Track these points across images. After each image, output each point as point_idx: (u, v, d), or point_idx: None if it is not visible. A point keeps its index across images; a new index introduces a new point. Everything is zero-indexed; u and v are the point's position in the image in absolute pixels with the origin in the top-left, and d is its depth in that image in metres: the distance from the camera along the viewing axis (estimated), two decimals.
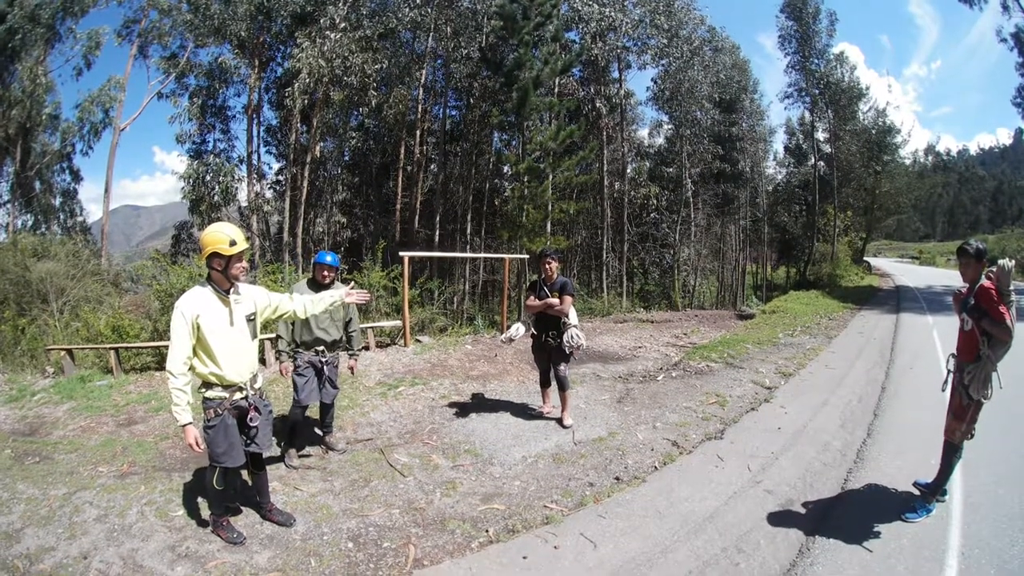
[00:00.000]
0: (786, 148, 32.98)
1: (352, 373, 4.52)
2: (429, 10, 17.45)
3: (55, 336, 9.79)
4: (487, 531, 3.12)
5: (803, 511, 3.25)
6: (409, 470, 4.01)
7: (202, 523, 3.32)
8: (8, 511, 3.66)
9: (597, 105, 20.07)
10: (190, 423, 2.78)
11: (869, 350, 8.04)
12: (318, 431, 4.61)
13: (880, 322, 10.97)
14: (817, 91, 27.75)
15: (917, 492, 3.32)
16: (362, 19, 16.55)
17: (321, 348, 4.14)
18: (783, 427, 4.61)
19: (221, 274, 2.84)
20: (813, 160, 29.34)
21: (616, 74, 21.05)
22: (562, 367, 4.71)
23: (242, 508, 3.41)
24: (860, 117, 29.71)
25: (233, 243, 2.77)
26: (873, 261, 44.25)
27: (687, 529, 3.07)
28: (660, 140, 26.08)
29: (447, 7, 17.79)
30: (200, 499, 3.59)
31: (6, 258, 11.86)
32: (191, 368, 2.83)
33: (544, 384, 5.10)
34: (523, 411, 5.25)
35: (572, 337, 4.59)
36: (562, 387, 4.75)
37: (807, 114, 29.22)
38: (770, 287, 29.74)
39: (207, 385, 2.90)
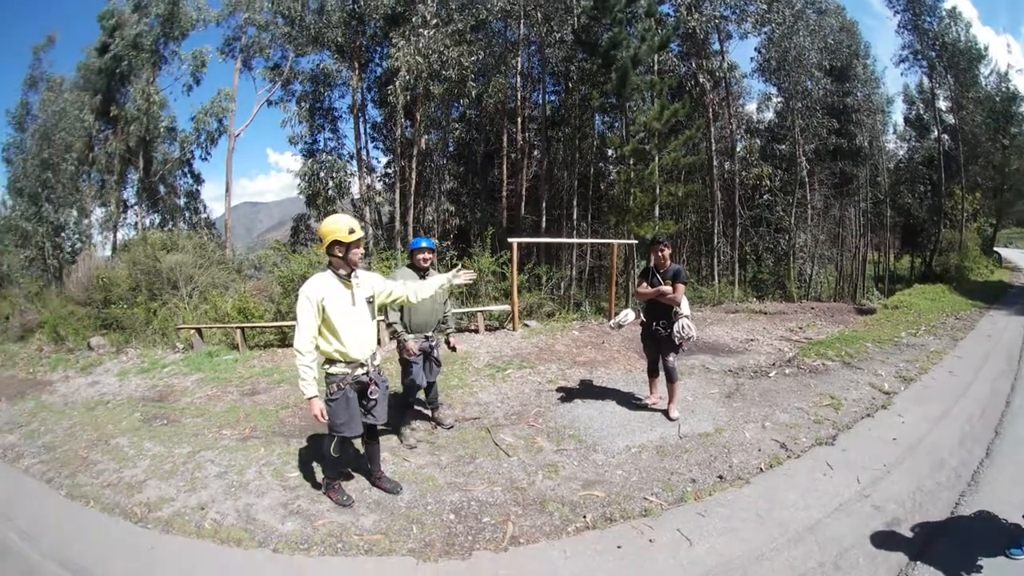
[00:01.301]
0: (906, 119, 28.12)
1: (455, 351, 4.66)
2: None
3: (185, 317, 10.96)
4: (585, 517, 3.11)
5: (909, 534, 2.90)
6: (514, 450, 4.08)
7: (315, 485, 3.57)
8: (133, 465, 4.19)
9: (700, 80, 18.89)
10: (316, 396, 3.00)
11: (996, 357, 6.97)
12: (425, 409, 4.80)
13: (1010, 324, 9.44)
14: (933, 53, 23.63)
15: None
16: (452, 13, 16.85)
17: (429, 332, 4.30)
18: (899, 438, 4.13)
19: (341, 260, 3.04)
20: (936, 133, 25.09)
21: (717, 46, 19.68)
22: (671, 358, 4.53)
23: (354, 474, 3.63)
24: (982, 82, 24.98)
25: (351, 231, 2.97)
26: (1004, 252, 36.89)
27: (786, 538, 2.86)
28: (770, 115, 23.83)
29: None
30: (314, 463, 3.88)
31: (138, 251, 13.54)
32: (316, 347, 3.04)
33: (652, 374, 4.96)
34: (629, 400, 5.15)
35: (683, 327, 4.39)
36: (670, 378, 4.58)
37: (925, 80, 24.96)
38: (892, 278, 26.20)
39: (331, 362, 3.11)
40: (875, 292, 20.70)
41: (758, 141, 22.90)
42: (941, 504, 3.20)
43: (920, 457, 3.80)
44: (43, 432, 5.35)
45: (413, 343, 4.19)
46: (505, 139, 20.34)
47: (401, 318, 4.24)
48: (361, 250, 3.12)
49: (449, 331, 4.61)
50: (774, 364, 6.75)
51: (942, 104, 25.08)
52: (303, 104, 20.26)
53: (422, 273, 4.09)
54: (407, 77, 15.83)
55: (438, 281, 3.46)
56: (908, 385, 5.59)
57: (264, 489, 3.60)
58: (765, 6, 18.27)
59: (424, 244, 4.19)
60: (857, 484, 3.41)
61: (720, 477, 3.55)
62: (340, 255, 3.03)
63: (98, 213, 21.38)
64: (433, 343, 4.34)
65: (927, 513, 3.11)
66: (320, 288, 3.01)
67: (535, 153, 21.22)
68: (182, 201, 22.98)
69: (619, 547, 2.81)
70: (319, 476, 3.67)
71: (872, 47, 23.55)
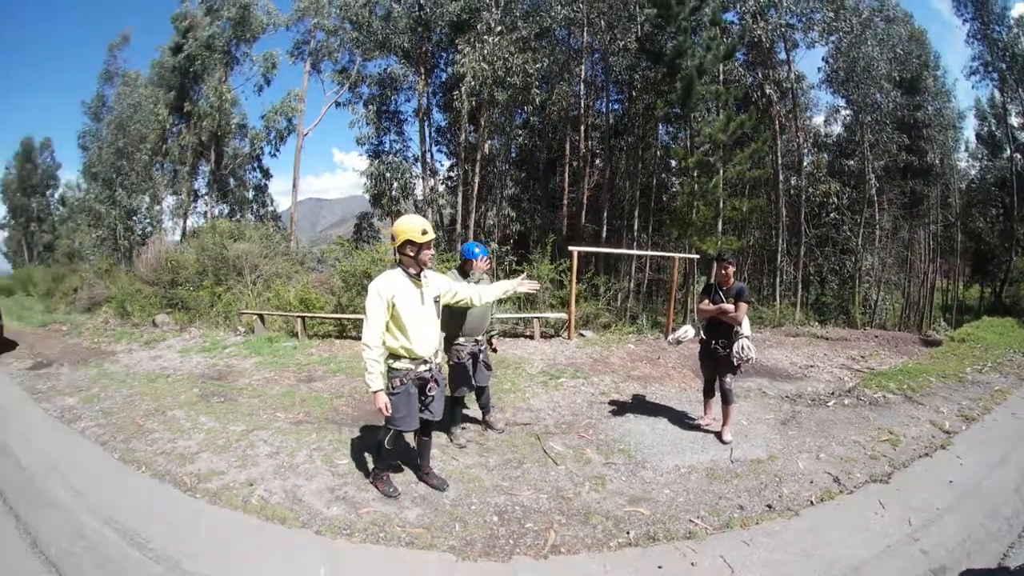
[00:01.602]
0: (978, 136, 25.84)
1: (495, 352, 4.73)
2: (580, 5, 17.37)
3: (248, 303, 11.42)
4: (628, 533, 3.05)
5: None
6: (562, 459, 4.06)
7: (363, 473, 3.65)
8: (188, 437, 4.39)
9: (767, 91, 18.23)
10: (381, 389, 3.06)
11: None
12: (474, 412, 4.85)
13: None
14: (1004, 65, 21.60)
15: None
16: (516, 21, 16.97)
17: (479, 337, 4.34)
18: (955, 481, 3.86)
19: (413, 259, 3.11)
20: (1008, 151, 22.98)
21: (783, 55, 18.92)
22: (728, 379, 4.41)
23: (403, 467, 3.70)
24: None
25: (424, 232, 3.05)
26: None
27: (831, 575, 2.74)
28: (838, 128, 22.65)
29: (598, 0, 17.52)
30: (364, 453, 3.96)
31: (206, 238, 14.30)
32: (383, 342, 3.12)
33: (707, 394, 4.84)
34: (682, 419, 5.06)
35: (743, 348, 4.26)
36: (726, 400, 4.45)
37: (997, 93, 22.85)
38: (960, 308, 24.30)
39: (395, 357, 3.17)
40: (942, 322, 19.31)
41: (826, 156, 21.84)
42: (989, 555, 3.03)
43: (974, 503, 3.59)
44: (102, 398, 5.69)
45: (464, 346, 4.25)
46: (568, 147, 20.29)
47: (454, 323, 4.26)
48: (432, 251, 3.20)
49: (492, 333, 4.65)
50: (833, 393, 6.46)
51: (1014, 120, 23.13)
52: (370, 107, 20.86)
53: (467, 279, 4.18)
54: (472, 83, 16.06)
55: (503, 287, 3.56)
56: (969, 425, 5.26)
57: (313, 473, 3.71)
58: (832, 14, 17.48)
59: (478, 251, 4.28)
60: (908, 526, 3.22)
61: (769, 506, 3.41)
62: (412, 254, 3.10)
63: (169, 200, 22.74)
64: (482, 347, 4.38)
65: (974, 562, 2.94)
66: (391, 285, 3.08)
67: (597, 162, 21.10)
68: (250, 194, 24.13)
69: (660, 567, 2.75)
70: (368, 465, 3.75)
71: (942, 57, 22.05)
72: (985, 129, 25.76)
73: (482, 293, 3.52)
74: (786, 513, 3.33)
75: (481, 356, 4.39)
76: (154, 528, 3.02)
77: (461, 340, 4.25)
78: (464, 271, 4.27)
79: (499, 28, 16.23)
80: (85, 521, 3.12)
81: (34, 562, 2.75)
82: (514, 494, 3.49)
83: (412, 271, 3.15)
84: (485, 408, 4.69)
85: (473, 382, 4.38)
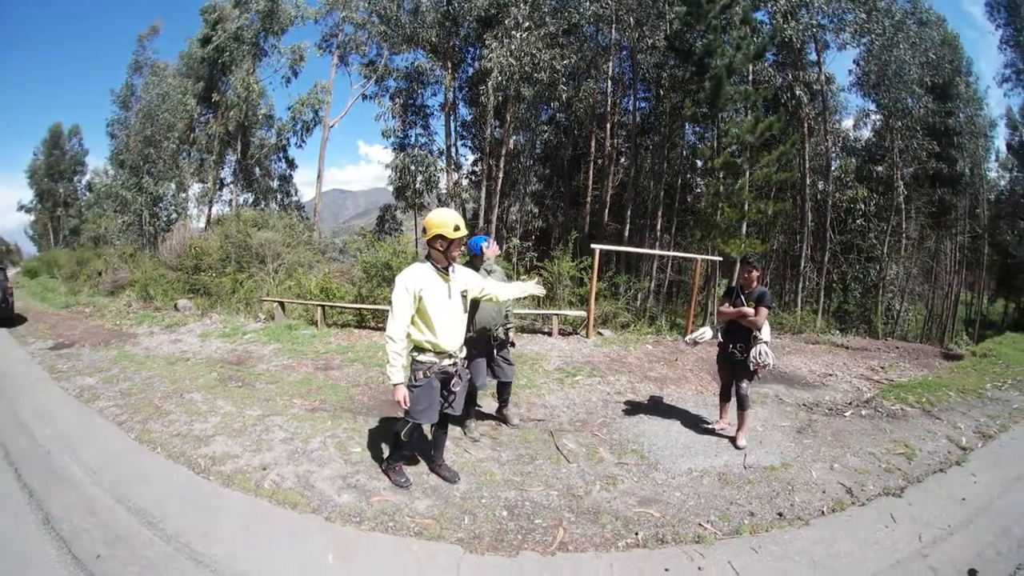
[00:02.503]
0: (1008, 146, 25.01)
1: (513, 346, 4.72)
2: (609, 2, 17.23)
3: (270, 290, 11.59)
4: (637, 534, 3.04)
5: None
6: (575, 457, 4.06)
7: (376, 462, 3.68)
8: (204, 420, 4.45)
9: (796, 93, 17.83)
10: (402, 382, 3.08)
11: None
12: (489, 406, 4.87)
13: None
14: None
15: None
16: (544, 17, 16.91)
17: (496, 331, 4.35)
18: (968, 498, 3.78)
19: (442, 254, 3.11)
20: None
21: (813, 56, 18.53)
22: (744, 384, 4.36)
23: (418, 458, 3.72)
24: None
25: (457, 228, 3.05)
26: None
27: None
28: (867, 133, 22.12)
29: None
30: (379, 442, 4.00)
31: (230, 226, 14.56)
32: (408, 335, 3.12)
33: (723, 398, 4.80)
34: (696, 423, 5.03)
35: (760, 354, 4.21)
36: (741, 405, 4.41)
37: None
38: (984, 323, 23.65)
39: (419, 350, 3.18)
40: (964, 336, 18.82)
41: (854, 160, 21.36)
42: (996, 574, 2.97)
43: (986, 521, 3.52)
44: (122, 379, 5.81)
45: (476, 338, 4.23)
46: (593, 144, 20.20)
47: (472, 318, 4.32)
48: (463, 248, 3.22)
49: (509, 327, 4.64)
50: (851, 403, 6.35)
51: None
52: (396, 100, 21.03)
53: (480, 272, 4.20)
54: (499, 78, 16.08)
55: (520, 288, 3.67)
56: (986, 442, 5.15)
57: (326, 460, 3.75)
58: (864, 15, 17.09)
59: (484, 244, 4.27)
60: (918, 542, 3.17)
61: (780, 514, 3.37)
62: (441, 249, 3.10)
63: (195, 188, 23.27)
64: (496, 341, 4.37)
65: None
66: (419, 279, 3.08)
67: (622, 160, 20.99)
68: (275, 183, 24.56)
69: (667, 570, 2.74)
70: (382, 454, 3.78)
71: (975, 64, 21.39)
72: (1016, 139, 24.94)
73: (504, 291, 3.59)
74: (797, 522, 3.30)
75: (498, 352, 4.39)
76: (166, 508, 3.08)
77: (472, 334, 4.24)
78: (475, 266, 4.27)
79: (527, 24, 16.19)
80: (98, 498, 3.18)
81: (45, 538, 2.80)
82: (525, 489, 3.49)
83: (440, 265, 3.15)
84: (504, 402, 4.70)
85: (495, 377, 4.39)
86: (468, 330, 4.19)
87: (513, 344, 4.66)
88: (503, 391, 4.62)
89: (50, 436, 4.16)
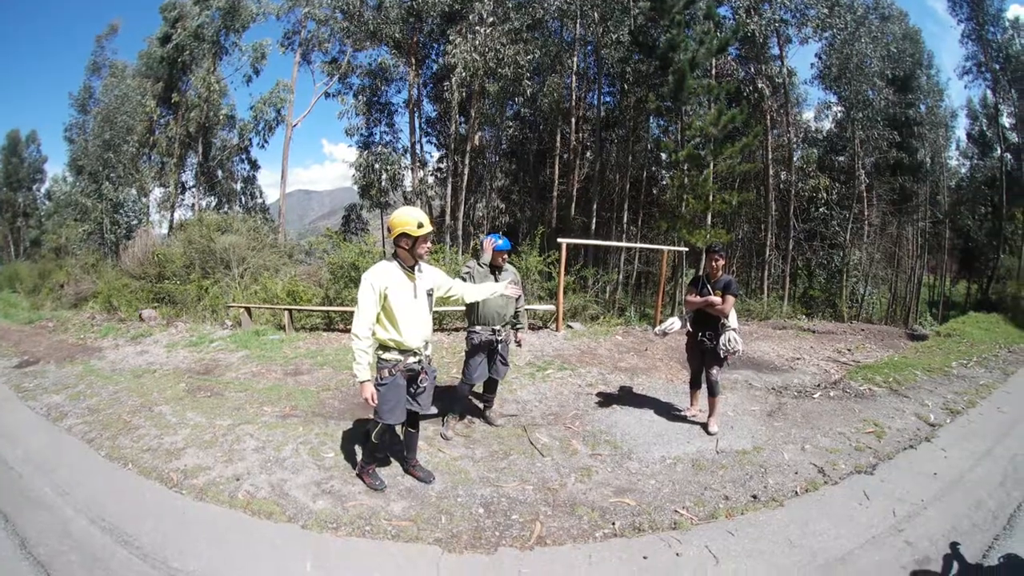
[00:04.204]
0: (969, 135, 26.23)
1: (520, 346, 4.76)
2: None
3: (235, 296, 11.33)
4: (613, 524, 3.07)
5: (938, 571, 2.79)
6: (548, 451, 4.08)
7: (350, 466, 3.64)
8: (174, 433, 4.34)
9: (759, 86, 18.24)
10: (369, 380, 3.05)
11: None
12: (478, 403, 4.84)
13: None
14: (998, 66, 21.90)
15: None
16: (508, 12, 16.86)
17: (498, 327, 4.31)
18: (939, 473, 3.91)
19: (408, 252, 3.10)
20: (999, 151, 23.28)
21: (776, 50, 18.95)
22: (714, 371, 4.44)
23: (390, 459, 3.68)
24: None
25: (420, 225, 3.04)
26: None
27: (815, 565, 2.76)
28: (828, 124, 22.85)
29: None
30: (351, 445, 3.95)
31: (193, 231, 14.09)
32: (373, 333, 3.10)
33: (694, 385, 4.88)
34: (668, 410, 5.09)
35: (729, 340, 4.29)
36: (712, 392, 4.49)
37: (989, 94, 23.13)
38: (947, 304, 24.67)
39: (384, 348, 3.17)
40: (928, 317, 19.63)
41: (816, 151, 22.09)
42: (974, 546, 3.07)
43: (959, 495, 3.64)
44: (89, 395, 5.60)
45: (480, 334, 4.25)
46: (558, 139, 20.25)
47: (474, 313, 4.28)
48: (429, 244, 3.18)
49: (520, 327, 4.63)
50: (819, 385, 6.52)
51: (1006, 120, 23.34)
52: (360, 97, 20.71)
53: (496, 271, 4.26)
54: (463, 74, 15.97)
55: (489, 288, 3.68)
56: (954, 418, 5.34)
57: (299, 466, 3.69)
58: (826, 10, 17.54)
59: (500, 243, 4.30)
60: (892, 517, 3.26)
61: (754, 497, 3.44)
62: (407, 247, 3.10)
63: (157, 193, 22.50)
64: (500, 338, 4.34)
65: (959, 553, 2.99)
66: (385, 277, 3.07)
67: (588, 154, 21.03)
68: (238, 186, 23.97)
69: (645, 558, 2.77)
70: (355, 458, 3.74)
71: (936, 57, 22.23)
72: (976, 128, 25.98)
73: (472, 292, 3.59)
74: (771, 504, 3.36)
75: (500, 349, 4.37)
76: (141, 526, 3.00)
77: (478, 328, 4.26)
78: (493, 264, 4.27)
79: (491, 19, 16.13)
80: (72, 520, 3.09)
81: (24, 563, 2.73)
82: (500, 486, 3.50)
83: (407, 264, 3.14)
84: (489, 403, 4.69)
85: (488, 374, 4.38)
86: (475, 322, 4.25)
87: (519, 344, 4.64)
88: (490, 388, 4.60)
89: (21, 458, 4.00)
